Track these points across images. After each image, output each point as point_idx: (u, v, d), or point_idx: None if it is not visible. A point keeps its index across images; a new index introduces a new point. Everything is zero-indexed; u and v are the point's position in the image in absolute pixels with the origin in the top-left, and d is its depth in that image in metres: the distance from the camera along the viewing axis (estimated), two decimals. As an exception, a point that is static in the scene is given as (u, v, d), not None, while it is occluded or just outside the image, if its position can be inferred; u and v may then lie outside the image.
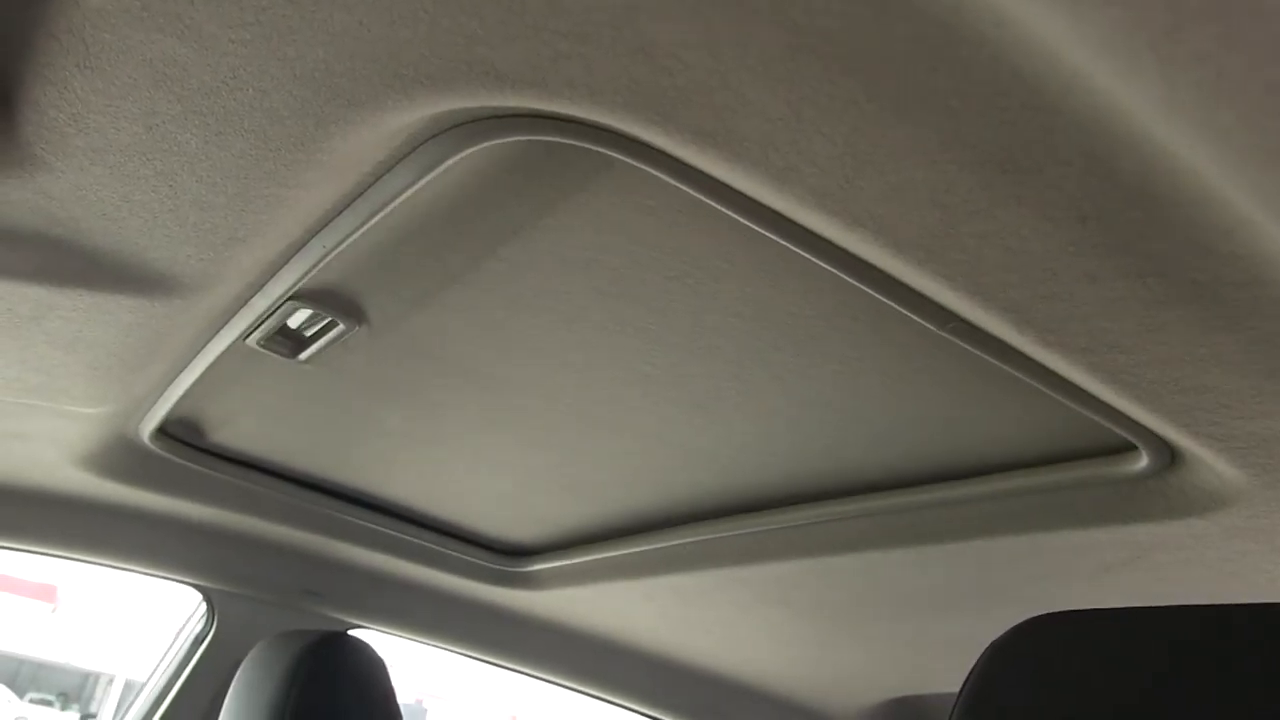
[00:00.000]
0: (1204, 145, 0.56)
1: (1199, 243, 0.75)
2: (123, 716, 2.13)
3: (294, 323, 1.31)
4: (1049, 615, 0.90)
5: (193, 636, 2.07)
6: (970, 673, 0.93)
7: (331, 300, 1.26)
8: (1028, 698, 0.83)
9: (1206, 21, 0.50)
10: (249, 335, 1.32)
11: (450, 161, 0.89)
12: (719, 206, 0.82)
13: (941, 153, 0.72)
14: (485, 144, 0.85)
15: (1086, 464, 1.27)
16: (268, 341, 1.34)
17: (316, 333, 1.34)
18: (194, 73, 0.77)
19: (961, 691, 0.92)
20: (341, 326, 1.30)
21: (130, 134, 0.85)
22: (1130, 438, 1.11)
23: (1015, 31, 0.59)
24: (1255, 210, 0.62)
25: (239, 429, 1.71)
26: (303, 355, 1.38)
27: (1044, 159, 0.70)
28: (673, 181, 0.81)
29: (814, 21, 0.63)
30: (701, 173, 0.79)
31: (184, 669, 2.02)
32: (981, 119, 0.68)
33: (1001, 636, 0.92)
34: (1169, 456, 1.14)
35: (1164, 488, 1.22)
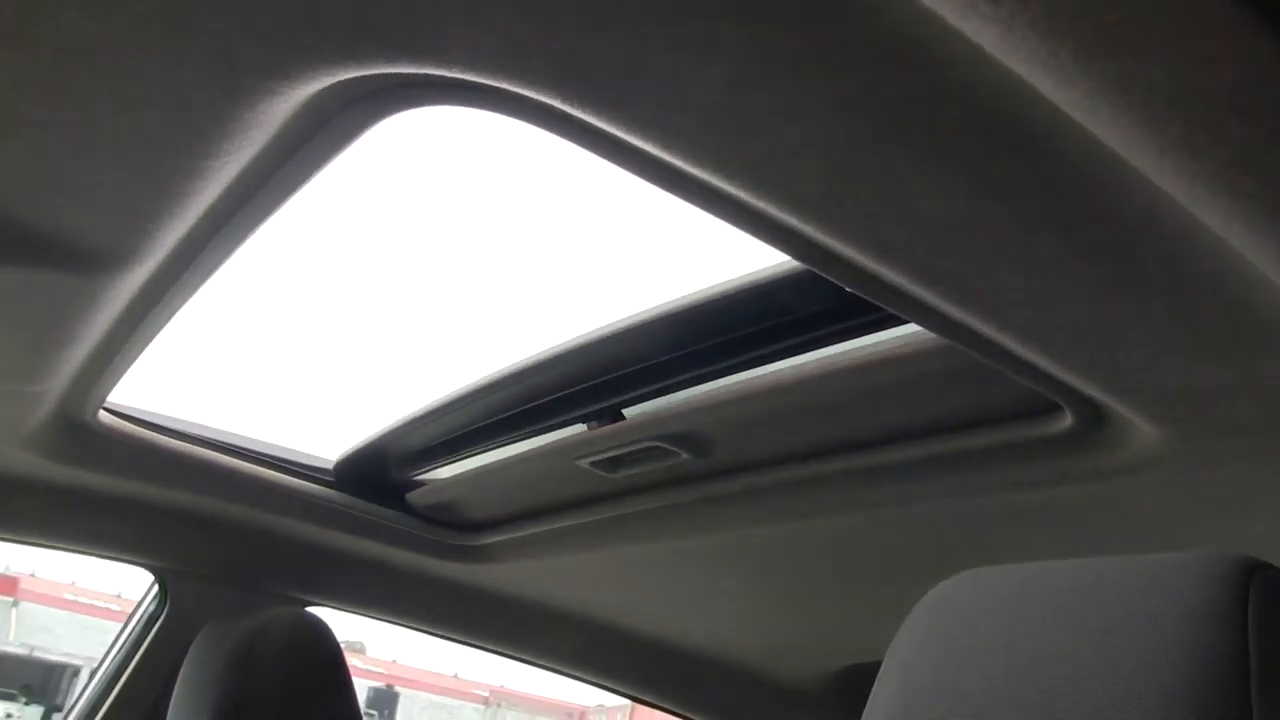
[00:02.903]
0: (1057, 91, 0.58)
1: (1090, 197, 0.77)
2: (78, 701, 2.12)
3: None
4: (967, 574, 0.92)
5: (145, 617, 2.06)
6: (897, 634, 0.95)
7: (689, 442, 1.47)
8: (941, 654, 0.85)
9: None
10: (585, 457, 1.57)
11: (366, 131, 0.90)
12: (625, 168, 0.83)
13: (833, 111, 0.73)
14: (398, 112, 0.87)
15: (1018, 425, 1.29)
16: (599, 463, 1.58)
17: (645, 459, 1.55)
18: (100, 45, 0.77)
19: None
20: (681, 456, 1.51)
21: (44, 107, 0.85)
22: (1053, 396, 1.13)
23: None
24: (1133, 157, 0.64)
25: None
26: (620, 472, 1.60)
27: (932, 116, 0.71)
28: (576, 143, 0.83)
29: None
30: (604, 133, 0.80)
31: (137, 650, 2.01)
32: (868, 77, 0.69)
33: (924, 598, 0.94)
34: (1093, 415, 1.16)
35: (1091, 447, 1.24)
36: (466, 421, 1.70)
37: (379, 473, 1.94)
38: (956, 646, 0.84)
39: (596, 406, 1.51)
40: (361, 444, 1.88)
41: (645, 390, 1.44)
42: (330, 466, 1.96)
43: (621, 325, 1.36)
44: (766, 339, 1.27)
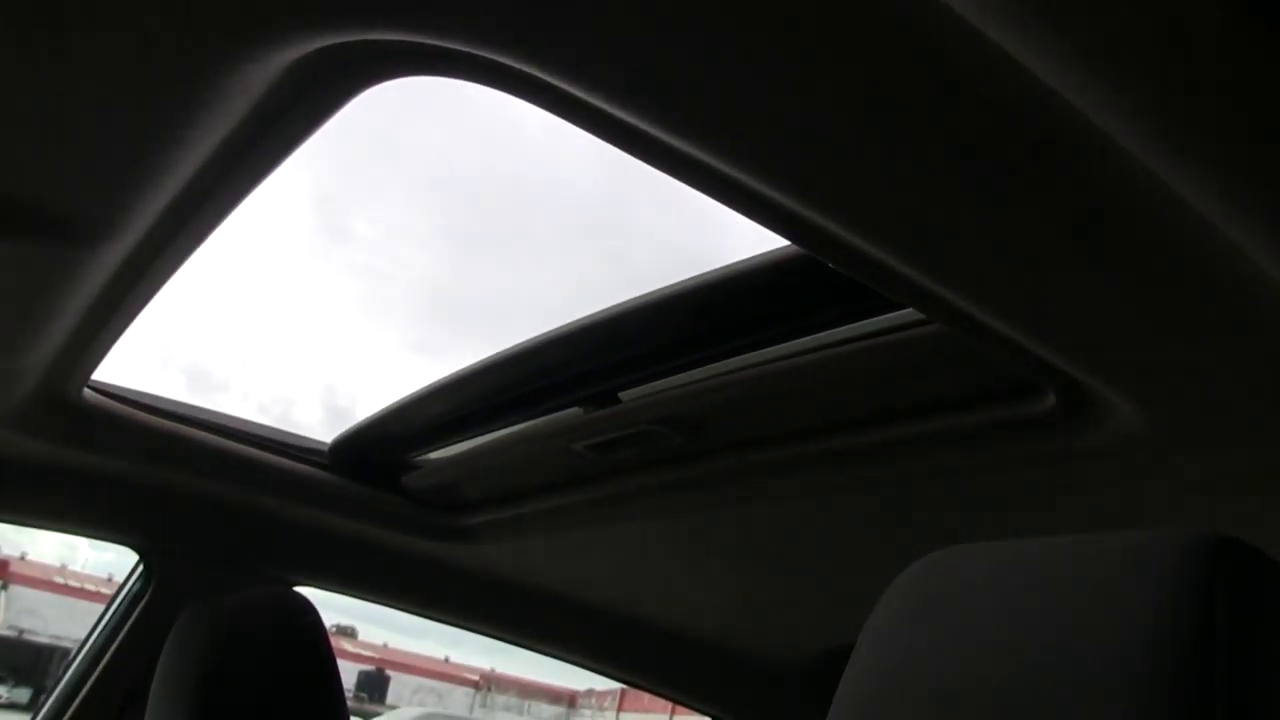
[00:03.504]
0: (1029, 57, 0.57)
1: (1073, 177, 0.77)
2: (60, 678, 2.11)
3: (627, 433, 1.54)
4: (940, 552, 0.92)
5: (130, 596, 2.05)
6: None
7: (683, 425, 1.47)
8: (913, 631, 0.85)
9: None
10: (580, 440, 1.57)
11: (348, 102, 0.89)
12: (611, 142, 0.83)
13: (811, 86, 0.73)
14: (380, 82, 0.86)
15: (1001, 406, 1.29)
16: (594, 446, 1.59)
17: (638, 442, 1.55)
18: (70, 7, 0.76)
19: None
20: (674, 439, 1.51)
21: (12, 70, 0.84)
22: (1036, 377, 1.13)
23: None
24: (1106, 124, 0.63)
25: None
26: (613, 455, 1.61)
27: (910, 91, 0.71)
28: (564, 118, 0.82)
29: None
30: (592, 106, 0.80)
31: (121, 629, 2.00)
32: (845, 52, 0.69)
33: (898, 578, 0.94)
34: (1075, 395, 1.16)
35: (1074, 427, 1.23)
36: (462, 404, 1.71)
37: (374, 455, 1.94)
38: (928, 624, 0.84)
39: (591, 390, 1.52)
40: (358, 426, 1.89)
41: (640, 374, 1.45)
42: (324, 449, 1.96)
43: (617, 310, 1.37)
44: (759, 324, 1.29)
